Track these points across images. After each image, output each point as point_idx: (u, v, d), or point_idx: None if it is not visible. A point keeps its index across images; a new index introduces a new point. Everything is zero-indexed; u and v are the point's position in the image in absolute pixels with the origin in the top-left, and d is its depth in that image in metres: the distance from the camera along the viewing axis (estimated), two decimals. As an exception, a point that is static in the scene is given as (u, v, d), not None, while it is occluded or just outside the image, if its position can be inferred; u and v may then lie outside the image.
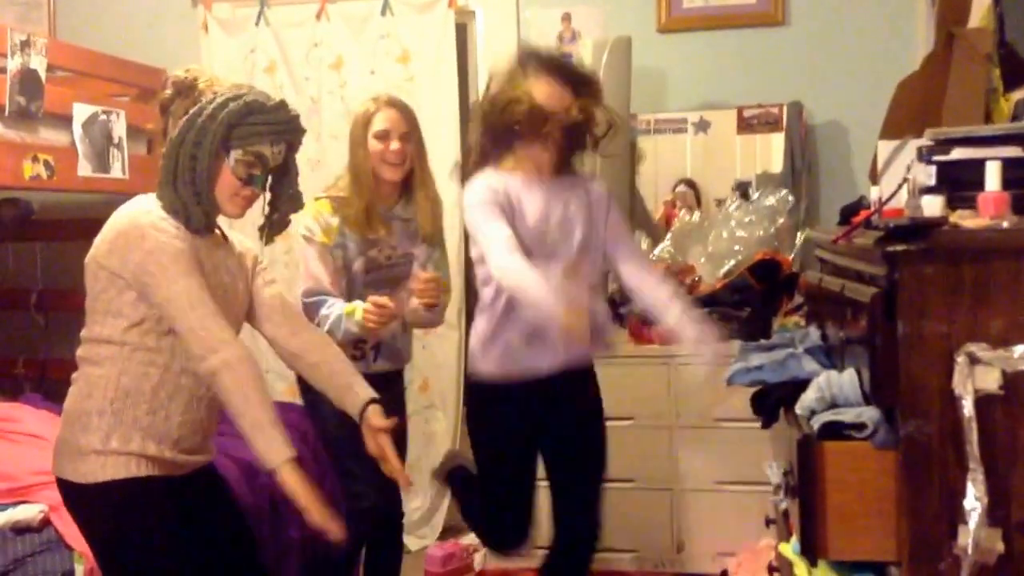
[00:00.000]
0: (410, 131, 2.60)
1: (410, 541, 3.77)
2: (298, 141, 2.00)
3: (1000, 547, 1.47)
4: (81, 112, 3.18)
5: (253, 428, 1.80)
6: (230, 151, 1.90)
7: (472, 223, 2.27)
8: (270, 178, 1.98)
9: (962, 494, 1.48)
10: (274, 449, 1.79)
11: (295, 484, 1.78)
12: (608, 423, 2.50)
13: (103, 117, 3.28)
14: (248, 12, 3.90)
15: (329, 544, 2.43)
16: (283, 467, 1.78)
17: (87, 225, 1.92)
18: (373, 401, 2.02)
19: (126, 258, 1.84)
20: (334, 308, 2.49)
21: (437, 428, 3.82)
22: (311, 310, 2.50)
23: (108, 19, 4.05)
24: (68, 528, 2.18)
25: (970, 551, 1.45)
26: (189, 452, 1.96)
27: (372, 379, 2.46)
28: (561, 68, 2.32)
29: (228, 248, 2.04)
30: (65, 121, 3.15)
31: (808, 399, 1.76)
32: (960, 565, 1.47)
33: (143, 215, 1.88)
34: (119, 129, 3.34)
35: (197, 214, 1.91)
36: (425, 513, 3.82)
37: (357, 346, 2.57)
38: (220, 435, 2.83)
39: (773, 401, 1.99)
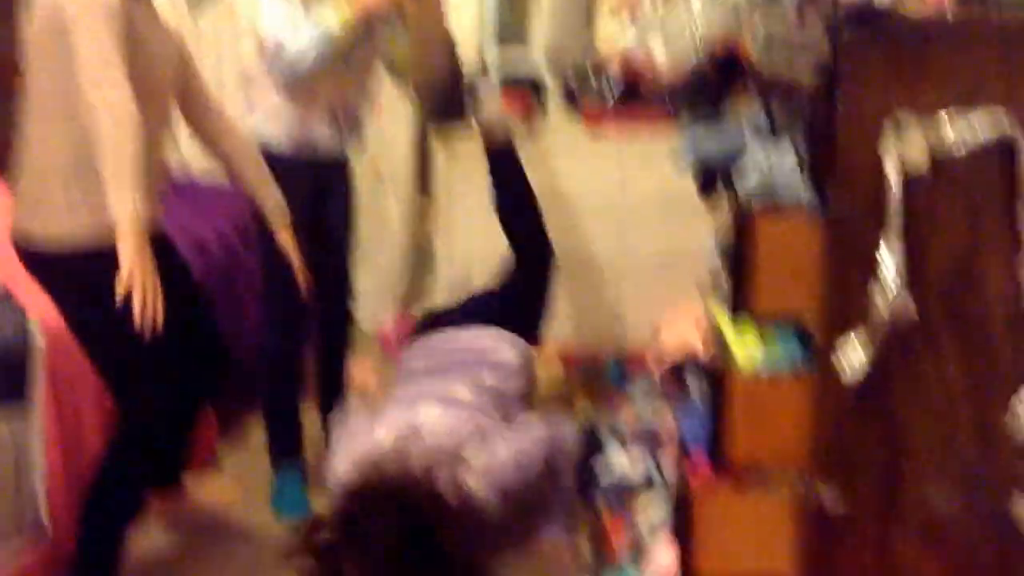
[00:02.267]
0: None
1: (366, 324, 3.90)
2: None
3: (913, 309, 1.59)
4: None
5: (114, 176, 1.79)
6: None
7: None
8: None
9: (882, 262, 1.58)
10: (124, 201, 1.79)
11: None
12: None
13: None
14: None
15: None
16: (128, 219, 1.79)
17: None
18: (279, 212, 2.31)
19: (63, 8, 1.82)
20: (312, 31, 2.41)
21: (390, 210, 3.87)
22: (277, 54, 2.45)
23: None
24: (25, 293, 2.21)
25: (885, 314, 1.58)
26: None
27: (321, 167, 2.63)
28: None
29: (161, 23, 2.04)
30: None
31: (747, 172, 1.83)
32: (875, 327, 1.59)
33: None
34: None
35: None
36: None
37: (332, 123, 2.62)
38: (176, 206, 2.86)
39: (714, 176, 2.06)
